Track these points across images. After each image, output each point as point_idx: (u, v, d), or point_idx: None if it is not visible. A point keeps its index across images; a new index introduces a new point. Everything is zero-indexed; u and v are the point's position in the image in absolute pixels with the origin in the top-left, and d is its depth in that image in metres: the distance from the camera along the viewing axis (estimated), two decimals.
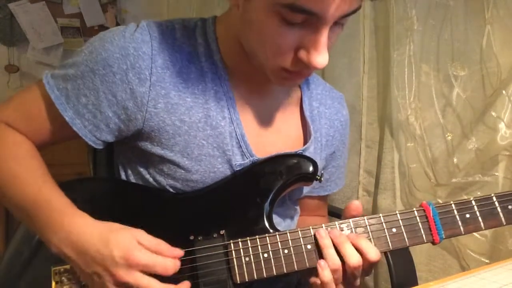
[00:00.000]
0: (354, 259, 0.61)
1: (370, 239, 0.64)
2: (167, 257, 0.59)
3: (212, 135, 0.69)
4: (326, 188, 0.87)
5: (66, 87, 0.66)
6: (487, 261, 1.24)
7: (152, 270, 0.57)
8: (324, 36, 0.57)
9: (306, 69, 0.62)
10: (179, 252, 0.62)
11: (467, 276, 0.59)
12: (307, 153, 0.77)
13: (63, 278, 0.63)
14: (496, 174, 1.22)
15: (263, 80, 0.69)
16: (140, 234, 0.60)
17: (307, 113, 0.79)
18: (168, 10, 2.28)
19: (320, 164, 0.79)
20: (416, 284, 0.92)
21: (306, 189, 0.82)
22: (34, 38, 2.26)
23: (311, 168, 0.71)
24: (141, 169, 0.72)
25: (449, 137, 1.31)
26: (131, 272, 0.56)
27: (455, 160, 1.29)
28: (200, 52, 0.70)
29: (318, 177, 0.72)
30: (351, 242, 0.62)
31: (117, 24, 2.41)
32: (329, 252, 0.62)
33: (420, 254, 1.36)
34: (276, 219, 0.76)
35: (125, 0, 2.46)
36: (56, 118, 0.67)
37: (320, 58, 0.58)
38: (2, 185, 0.65)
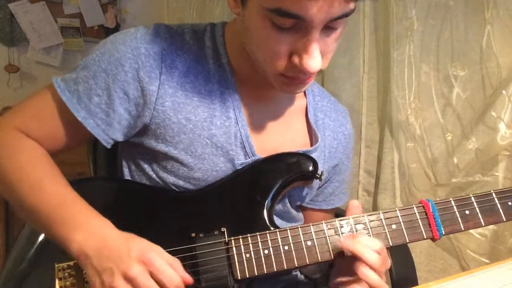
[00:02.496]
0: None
1: (370, 235, 0.64)
2: (178, 274, 0.59)
3: (216, 134, 0.71)
4: (329, 202, 0.87)
5: (78, 89, 0.68)
6: (487, 261, 1.24)
7: (160, 277, 0.57)
8: (313, 40, 0.57)
9: (302, 74, 0.62)
10: (190, 278, 0.61)
11: (467, 276, 0.59)
12: None
13: (66, 274, 0.64)
14: (496, 174, 1.22)
15: (268, 86, 0.70)
16: (160, 248, 0.60)
17: (312, 121, 0.80)
18: (168, 10, 2.28)
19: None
20: (416, 284, 0.93)
21: (307, 198, 0.82)
22: (34, 38, 2.26)
23: (311, 167, 0.72)
24: (145, 166, 0.74)
25: (449, 137, 1.31)
26: (141, 270, 0.56)
27: (455, 160, 1.29)
28: (208, 54, 0.72)
29: (318, 175, 0.73)
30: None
31: (117, 24, 2.41)
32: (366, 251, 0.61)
33: (420, 254, 1.36)
34: (277, 220, 0.76)
35: (125, 0, 2.46)
36: (69, 120, 0.69)
37: (312, 62, 0.58)
38: (17, 188, 0.65)
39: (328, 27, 0.58)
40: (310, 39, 0.57)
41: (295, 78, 0.63)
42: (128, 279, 0.55)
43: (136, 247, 0.57)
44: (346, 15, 0.57)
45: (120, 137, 0.71)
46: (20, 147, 0.68)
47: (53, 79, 0.69)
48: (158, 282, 0.56)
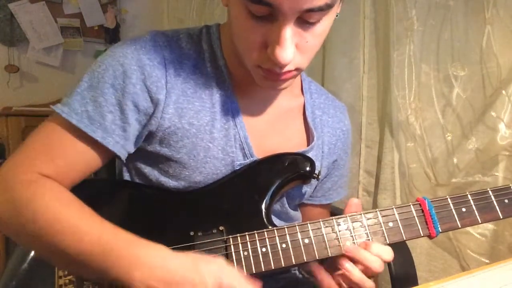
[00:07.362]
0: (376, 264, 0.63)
1: (367, 233, 0.65)
2: None
3: (217, 137, 0.71)
4: (327, 197, 0.88)
5: (86, 110, 0.65)
6: (487, 261, 1.24)
7: None
8: (284, 29, 0.57)
9: (277, 67, 0.61)
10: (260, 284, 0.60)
11: (467, 276, 0.59)
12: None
13: (66, 280, 0.64)
14: (496, 174, 1.22)
15: None
16: (223, 263, 0.59)
17: (309, 120, 0.80)
18: (168, 10, 2.28)
19: (322, 172, 0.81)
20: (416, 284, 0.92)
21: (306, 195, 0.83)
22: (34, 38, 2.26)
23: (308, 167, 0.72)
24: (146, 170, 0.73)
25: (449, 137, 1.31)
26: None
27: (455, 160, 1.29)
28: (205, 58, 0.73)
29: (316, 175, 0.73)
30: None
31: (117, 24, 2.41)
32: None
33: (420, 254, 1.36)
34: (275, 221, 0.76)
35: (125, 0, 2.46)
36: (84, 144, 0.65)
37: (283, 53, 0.58)
38: (51, 236, 0.58)
39: (304, 21, 0.58)
40: (281, 29, 0.57)
41: (271, 71, 0.63)
42: None
43: (209, 273, 0.56)
44: (321, 9, 0.56)
45: (132, 149, 0.70)
46: (43, 192, 0.61)
47: (53, 108, 0.65)
48: None
